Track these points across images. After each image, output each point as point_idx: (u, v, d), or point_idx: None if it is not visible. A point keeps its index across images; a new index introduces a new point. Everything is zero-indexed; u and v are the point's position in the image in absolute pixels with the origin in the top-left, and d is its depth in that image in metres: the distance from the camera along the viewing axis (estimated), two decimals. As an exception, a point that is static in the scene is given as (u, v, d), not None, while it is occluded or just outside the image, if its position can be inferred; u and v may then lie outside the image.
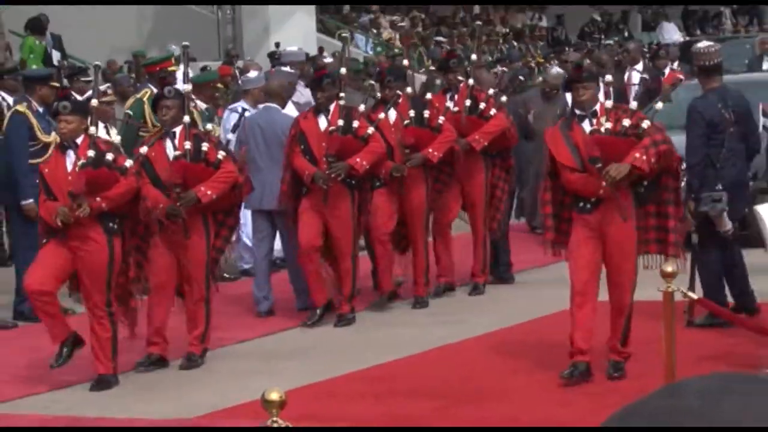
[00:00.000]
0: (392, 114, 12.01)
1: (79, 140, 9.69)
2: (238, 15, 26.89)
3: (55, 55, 22.15)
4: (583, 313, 8.98)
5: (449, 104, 12.46)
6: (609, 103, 9.30)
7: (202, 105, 13.95)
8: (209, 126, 11.59)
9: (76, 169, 9.56)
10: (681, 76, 17.81)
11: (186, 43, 12.35)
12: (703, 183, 10.28)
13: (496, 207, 12.62)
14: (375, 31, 30.86)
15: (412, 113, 11.98)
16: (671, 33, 34.70)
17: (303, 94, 14.91)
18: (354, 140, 11.34)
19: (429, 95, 12.36)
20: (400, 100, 12.06)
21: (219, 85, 14.97)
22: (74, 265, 9.62)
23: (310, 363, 10.24)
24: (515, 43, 31.70)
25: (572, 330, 9.03)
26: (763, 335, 9.18)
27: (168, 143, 10.26)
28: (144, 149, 10.28)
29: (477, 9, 34.71)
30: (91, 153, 9.60)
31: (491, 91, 12.81)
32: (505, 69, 20.87)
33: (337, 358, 10.33)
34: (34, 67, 20.20)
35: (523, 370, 9.48)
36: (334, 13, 30.90)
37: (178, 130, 10.24)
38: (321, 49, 23.75)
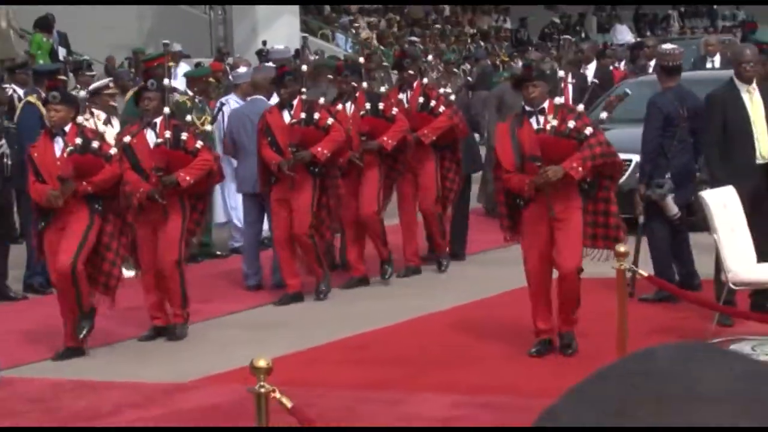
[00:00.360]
0: (350, 106, 11.96)
1: (67, 128, 9.71)
2: (229, 16, 26.86)
3: (61, 51, 22.05)
4: (539, 296, 8.93)
5: (402, 99, 12.36)
6: (558, 101, 9.10)
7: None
8: (189, 118, 11.46)
9: (65, 155, 9.59)
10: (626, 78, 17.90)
11: (166, 41, 12.36)
12: (654, 170, 10.32)
13: (447, 195, 12.49)
14: (354, 31, 30.79)
15: (368, 105, 11.91)
16: (624, 34, 34.74)
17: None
18: (316, 131, 11.25)
19: (383, 89, 12.31)
20: (357, 94, 12.01)
21: (211, 79, 14.88)
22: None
23: (294, 333, 10.22)
24: (482, 43, 31.68)
25: (533, 313, 8.99)
26: (708, 308, 9.21)
27: (150, 132, 10.25)
28: (127, 138, 10.26)
29: (447, 11, 34.68)
30: (78, 140, 9.64)
31: (442, 90, 12.74)
32: (472, 67, 20.86)
33: (319, 329, 10.32)
34: (41, 62, 20.12)
35: (489, 340, 9.48)
36: (316, 14, 30.83)
37: (158, 120, 10.23)
38: (303, 48, 23.65)
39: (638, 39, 31.46)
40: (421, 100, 12.29)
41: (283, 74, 11.67)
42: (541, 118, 8.92)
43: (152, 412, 8.18)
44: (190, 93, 13.88)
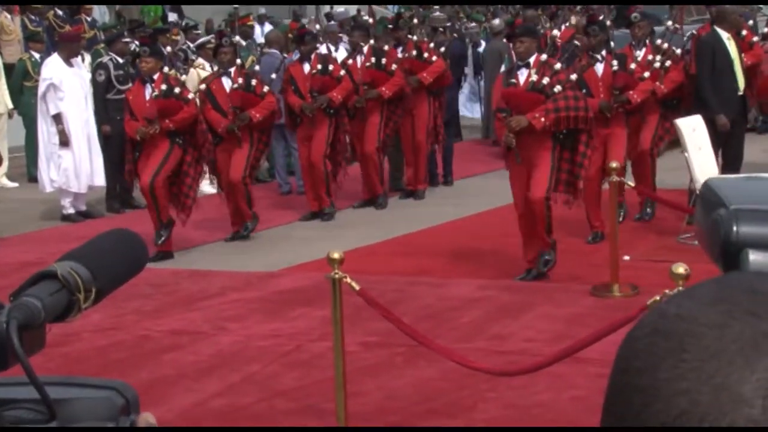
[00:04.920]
0: (359, 59, 11.54)
1: (155, 76, 9.63)
2: (302, -14, 26.67)
3: (172, 16, 21.92)
4: (526, 230, 8.21)
5: (400, 55, 11.82)
6: (544, 57, 8.18)
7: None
8: (238, 61, 11.03)
9: (152, 97, 9.51)
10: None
11: (236, 6, 12.25)
12: None
13: (437, 131, 12.04)
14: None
15: (373, 59, 11.51)
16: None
17: (344, 41, 14.57)
18: (331, 79, 11.01)
19: (386, 47, 11.75)
20: (366, 49, 11.57)
21: (289, 35, 14.73)
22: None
23: (358, 232, 10.21)
24: (500, 5, 31.14)
25: (522, 245, 8.28)
26: (681, 211, 9.07)
27: (225, 80, 10.19)
28: (203, 86, 10.25)
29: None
30: (163, 87, 9.56)
31: (431, 45, 12.12)
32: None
33: (376, 229, 10.30)
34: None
35: (509, 237, 9.43)
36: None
37: (232, 70, 10.16)
38: (359, 10, 23.37)
39: None
40: (414, 52, 11.80)
41: (303, 35, 11.42)
42: (526, 72, 8.19)
43: (250, 293, 8.20)
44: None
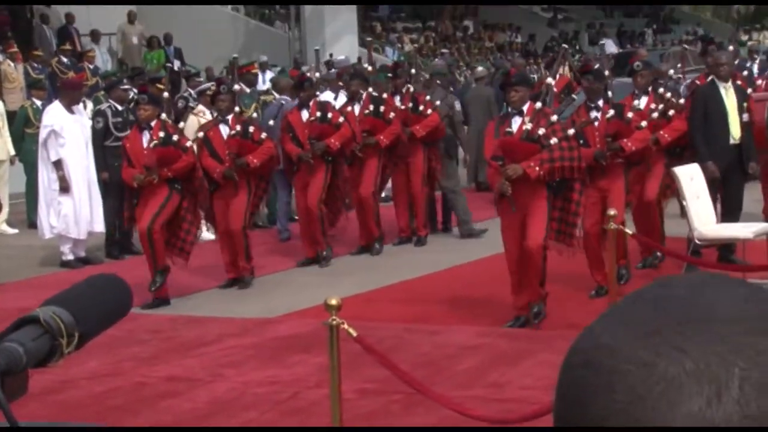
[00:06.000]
0: (357, 107, 11.55)
1: (153, 123, 9.61)
2: (303, 34, 26.88)
3: (176, 63, 22.05)
4: (517, 276, 8.21)
5: (397, 103, 11.83)
6: (538, 105, 8.19)
7: (278, 96, 13.89)
8: (236, 109, 10.95)
9: (150, 146, 9.49)
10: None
11: (235, 55, 12.26)
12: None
13: (433, 180, 12.06)
14: (399, 45, 30.63)
15: (371, 107, 11.53)
16: (610, 47, 34.31)
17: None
18: (329, 127, 10.99)
19: (385, 95, 11.78)
20: (364, 97, 11.59)
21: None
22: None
23: (356, 279, 10.17)
24: (499, 54, 31.41)
25: (512, 291, 8.30)
26: (680, 259, 9.05)
27: (223, 127, 10.13)
28: (201, 134, 10.19)
29: (471, 29, 34.40)
30: (161, 134, 9.53)
31: (428, 97, 12.06)
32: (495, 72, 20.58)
33: (375, 276, 10.26)
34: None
35: (509, 282, 9.39)
36: (370, 33, 30.67)
37: (230, 117, 10.13)
38: (360, 59, 23.54)
39: (621, 50, 31.06)
40: (410, 104, 11.82)
41: (303, 82, 11.43)
42: (520, 120, 8.15)
43: (247, 340, 8.15)
44: (275, 94, 13.83)
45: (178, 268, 9.75)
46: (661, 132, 9.75)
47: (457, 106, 12.64)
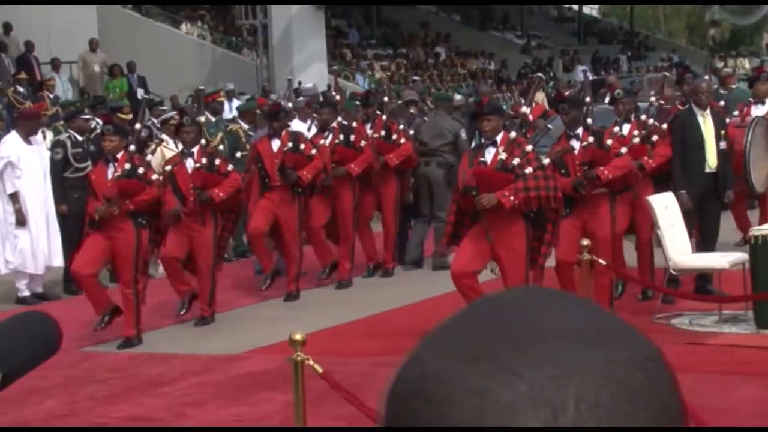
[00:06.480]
0: (328, 137, 11.50)
1: (119, 155, 9.47)
2: (271, 62, 26.89)
3: (140, 92, 22.00)
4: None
5: (369, 132, 11.83)
6: (512, 135, 8.20)
7: (245, 125, 13.91)
8: (202, 141, 10.82)
9: (114, 177, 9.38)
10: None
11: (202, 87, 12.18)
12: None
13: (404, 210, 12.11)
14: (370, 72, 30.71)
15: (341, 137, 11.52)
16: (579, 74, 34.56)
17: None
18: (302, 158, 10.94)
19: (354, 124, 11.77)
20: (335, 126, 11.53)
21: (257, 111, 14.78)
22: (111, 251, 9.33)
23: (324, 313, 10.11)
24: (471, 81, 31.55)
25: None
26: (655, 290, 9.05)
27: (189, 160, 10.03)
28: (168, 167, 10.08)
29: (443, 56, 34.55)
30: (127, 166, 9.42)
31: (401, 126, 12.12)
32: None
33: (344, 309, 10.21)
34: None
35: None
36: (341, 60, 30.76)
37: (195, 149, 10.02)
38: (329, 86, 23.60)
39: (595, 77, 31.29)
40: (383, 133, 11.82)
41: (278, 111, 11.38)
42: (494, 150, 8.15)
43: (210, 377, 8.07)
44: (242, 123, 13.83)
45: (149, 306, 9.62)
46: (645, 158, 9.75)
47: (463, 134, 12.52)
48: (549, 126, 9.77)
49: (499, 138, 8.15)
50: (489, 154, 8.15)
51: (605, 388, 0.75)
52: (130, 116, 12.88)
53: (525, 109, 10.07)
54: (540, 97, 13.62)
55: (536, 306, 0.81)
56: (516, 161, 8.01)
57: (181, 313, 10.08)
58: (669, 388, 0.78)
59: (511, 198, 7.90)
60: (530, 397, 0.75)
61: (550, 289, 0.84)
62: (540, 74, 13.28)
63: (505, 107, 12.83)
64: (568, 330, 0.78)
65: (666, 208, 9.32)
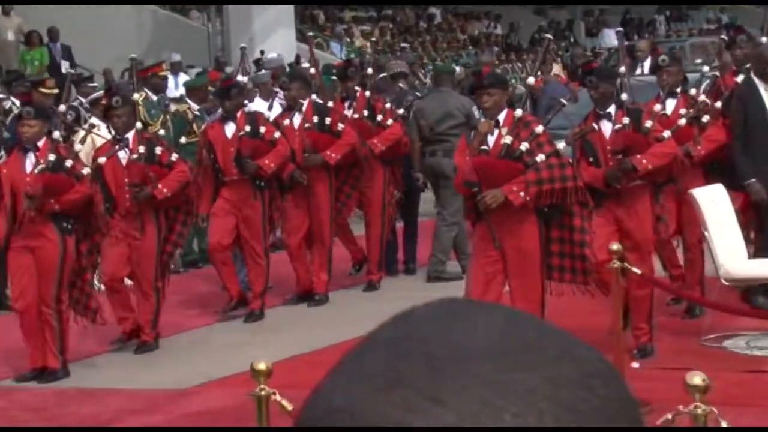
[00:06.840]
0: (297, 118, 11.39)
1: (40, 143, 9.31)
2: (227, 27, 26.87)
3: (64, 64, 21.98)
4: None
5: (348, 112, 11.79)
6: (518, 113, 8.13)
7: (195, 106, 13.87)
8: (138, 125, 10.74)
9: (35, 171, 9.20)
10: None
11: (134, 55, 12.13)
12: None
13: (392, 208, 12.06)
14: (348, 39, 30.75)
15: (315, 119, 11.34)
16: (612, 38, 34.64)
17: (279, 95, 14.58)
18: (263, 143, 10.87)
19: (331, 103, 11.65)
20: (305, 106, 11.38)
21: (210, 88, 14.75)
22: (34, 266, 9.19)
23: (294, 336, 10.12)
24: (473, 49, 31.61)
25: None
26: (703, 305, 9.05)
27: (123, 150, 9.96)
28: (101, 159, 9.95)
29: (439, 18, 34.62)
30: (51, 157, 9.25)
31: (388, 105, 12.04)
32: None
33: (318, 332, 10.21)
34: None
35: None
36: (312, 24, 30.77)
37: (130, 135, 9.97)
38: (298, 57, 23.60)
39: (626, 42, 31.40)
40: (366, 113, 11.80)
41: (229, 87, 11.30)
42: (497, 133, 8.02)
43: (154, 418, 8.08)
44: (191, 102, 13.80)
45: (79, 329, 9.58)
46: (693, 143, 9.58)
47: (476, 112, 12.24)
48: (564, 102, 9.54)
49: (502, 117, 8.08)
50: (491, 139, 8.06)
51: (548, 412, 0.76)
52: (56, 91, 12.79)
53: (530, 80, 10.00)
54: (557, 68, 13.55)
55: (454, 321, 0.82)
56: (525, 146, 7.92)
57: (117, 345, 10.02)
58: (623, 409, 0.78)
59: (521, 194, 7.81)
60: (459, 428, 0.76)
61: (467, 299, 0.86)
62: (550, 36, 13.00)
63: (513, 81, 12.79)
64: (494, 347, 0.80)
65: (714, 203, 9.33)
